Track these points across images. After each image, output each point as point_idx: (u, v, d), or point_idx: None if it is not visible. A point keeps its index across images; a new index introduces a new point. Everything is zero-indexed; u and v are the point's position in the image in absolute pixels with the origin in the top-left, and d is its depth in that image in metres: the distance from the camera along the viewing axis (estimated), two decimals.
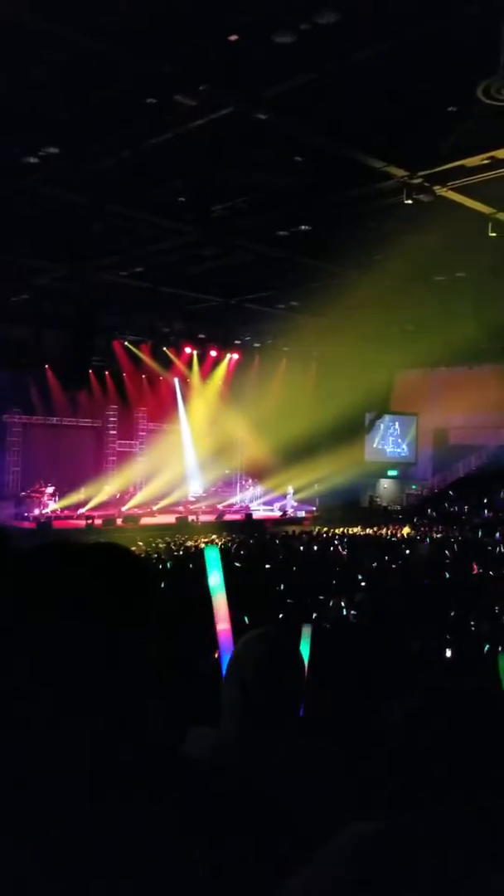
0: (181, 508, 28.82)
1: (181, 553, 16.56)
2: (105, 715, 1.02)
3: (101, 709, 1.03)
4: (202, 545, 18.86)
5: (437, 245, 14.69)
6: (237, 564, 14.05)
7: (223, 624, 2.95)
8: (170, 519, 26.98)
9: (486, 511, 28.49)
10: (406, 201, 11.63)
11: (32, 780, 0.98)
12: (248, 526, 26.57)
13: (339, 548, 18.05)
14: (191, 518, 27.21)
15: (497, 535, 21.91)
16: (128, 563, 1.17)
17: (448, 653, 6.54)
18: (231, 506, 31.60)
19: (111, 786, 1.01)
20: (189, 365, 28.10)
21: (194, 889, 1.03)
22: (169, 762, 1.09)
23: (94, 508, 26.67)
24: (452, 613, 8.90)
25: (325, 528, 25.16)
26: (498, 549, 18.61)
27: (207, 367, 28.54)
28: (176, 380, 29.31)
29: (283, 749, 1.78)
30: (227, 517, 29.00)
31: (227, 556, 15.87)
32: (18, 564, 1.12)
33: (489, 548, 18.89)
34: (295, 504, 31.22)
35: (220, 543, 19.74)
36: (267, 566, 13.94)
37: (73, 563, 1.12)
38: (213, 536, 22.07)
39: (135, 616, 1.10)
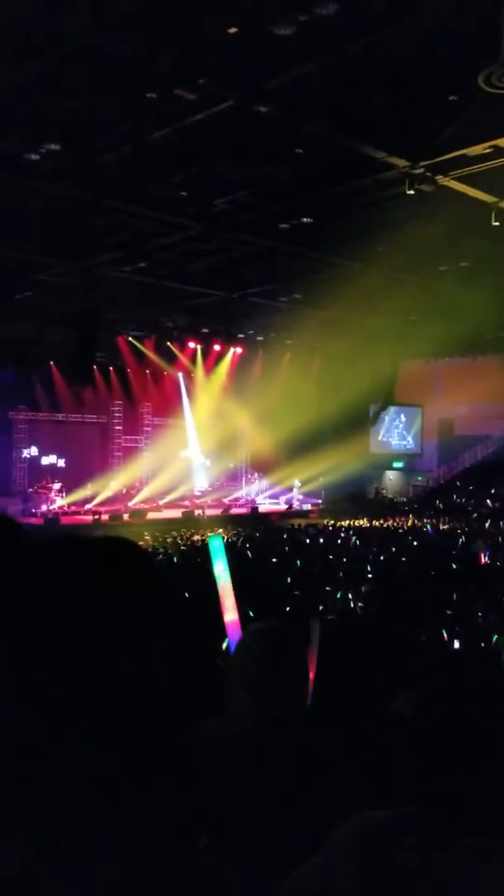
0: (187, 503, 28.86)
1: (188, 547, 16.59)
2: (112, 707, 1.03)
3: (108, 701, 1.03)
4: (208, 539, 18.87)
5: (440, 235, 14.65)
6: (249, 555, 14.08)
7: (231, 614, 2.95)
8: (176, 513, 27.02)
9: (491, 501, 28.44)
10: (408, 192, 11.59)
11: (34, 772, 0.98)
12: (253, 519, 26.59)
13: (346, 540, 18.04)
14: (197, 512, 27.24)
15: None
16: (134, 556, 1.17)
17: (456, 644, 6.54)
18: (237, 500, 31.63)
19: (117, 778, 1.01)
20: (193, 359, 28.10)
21: (198, 879, 1.03)
22: (176, 753, 1.10)
23: (101, 504, 26.76)
24: (460, 604, 8.90)
25: (332, 521, 25.16)
26: None
27: (211, 362, 28.53)
28: (180, 374, 29.33)
29: (290, 739, 1.78)
30: (233, 511, 29.03)
31: (233, 550, 15.90)
32: (27, 558, 1.13)
33: (498, 538, 18.85)
34: (300, 497, 31.22)
35: (226, 537, 19.77)
36: (273, 559, 13.95)
37: (80, 556, 1.12)
38: (220, 530, 22.10)
39: (142, 609, 1.11)
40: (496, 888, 1.14)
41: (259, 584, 9.52)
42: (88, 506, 26.49)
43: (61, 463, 27.59)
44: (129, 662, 1.06)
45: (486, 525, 23.01)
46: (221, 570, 3.15)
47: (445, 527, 23.40)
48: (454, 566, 12.73)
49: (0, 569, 1.13)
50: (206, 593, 3.34)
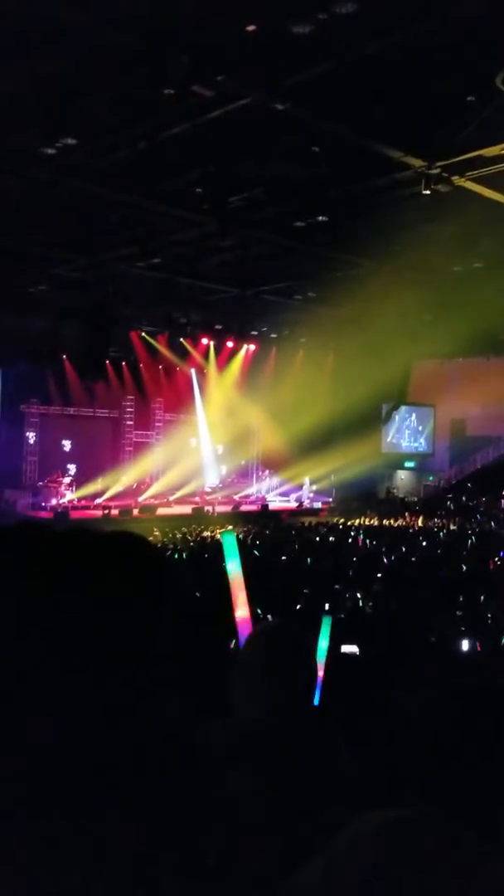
0: (197, 499, 28.89)
1: (197, 543, 16.61)
2: (119, 704, 1.03)
3: (115, 698, 1.03)
4: (218, 536, 18.89)
5: (455, 235, 14.60)
6: (256, 553, 14.08)
7: (242, 610, 2.95)
8: (186, 510, 27.06)
9: (503, 502, 28.35)
10: (424, 192, 11.54)
11: (42, 764, 0.99)
12: (264, 517, 26.58)
13: (356, 539, 18.03)
14: (207, 509, 27.28)
15: None
16: (144, 551, 1.17)
17: (465, 645, 6.53)
18: (247, 496, 31.64)
19: (123, 773, 1.02)
20: (206, 356, 28.10)
21: (204, 876, 1.04)
22: (184, 749, 1.10)
23: (111, 498, 26.82)
24: (470, 605, 8.89)
25: (342, 520, 25.13)
26: None
27: (224, 358, 28.52)
28: (192, 370, 29.34)
29: (297, 738, 1.79)
30: (243, 508, 29.05)
31: (243, 547, 15.89)
32: (37, 553, 1.13)
33: None
34: (311, 495, 31.18)
35: (236, 534, 19.74)
36: (283, 557, 13.95)
37: (90, 551, 1.13)
38: (230, 527, 22.11)
39: (151, 605, 1.11)
40: (501, 891, 1.14)
41: (269, 582, 9.53)
42: (98, 500, 26.55)
43: (72, 457, 27.67)
44: (139, 659, 1.07)
45: (494, 525, 22.96)
46: (234, 567, 3.15)
47: (455, 527, 23.35)
48: (464, 567, 12.71)
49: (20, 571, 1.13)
50: (216, 589, 3.34)
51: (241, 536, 18.76)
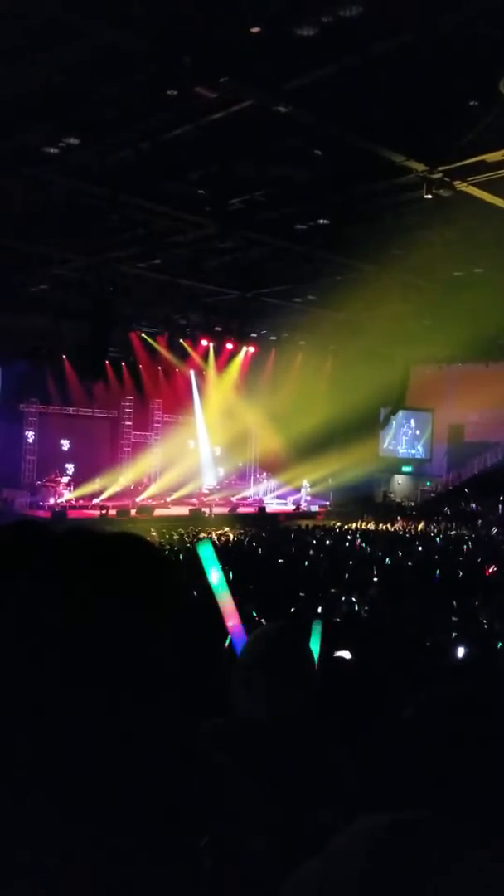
0: (195, 500, 28.89)
1: (194, 545, 16.59)
2: (121, 702, 1.03)
3: (117, 696, 1.03)
4: (214, 538, 18.90)
5: (456, 240, 14.62)
6: (252, 557, 14.07)
7: (232, 620, 2.93)
8: (183, 511, 27.06)
9: (501, 508, 28.35)
10: (426, 196, 11.55)
11: (41, 764, 0.98)
12: (261, 519, 26.61)
13: (353, 543, 18.03)
14: (204, 510, 27.29)
15: None
16: (147, 552, 1.17)
17: (460, 651, 6.53)
18: (244, 499, 31.64)
19: (118, 776, 1.02)
20: (205, 357, 28.10)
21: (197, 881, 1.03)
22: (180, 753, 1.10)
23: (109, 499, 26.81)
24: (465, 610, 8.88)
25: (339, 523, 25.14)
26: None
27: (223, 360, 28.52)
28: (192, 372, 29.34)
29: (294, 741, 1.79)
30: (241, 510, 29.05)
31: (240, 549, 15.91)
32: (37, 551, 1.13)
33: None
34: (308, 498, 31.19)
35: (232, 536, 19.79)
36: (279, 560, 13.95)
37: (92, 550, 1.12)
38: (227, 529, 22.11)
39: (153, 605, 1.11)
40: (500, 894, 1.14)
41: (265, 585, 9.52)
42: (96, 500, 26.55)
43: (70, 457, 27.67)
44: (140, 659, 1.06)
45: (493, 532, 22.97)
46: (216, 578, 3.08)
47: (452, 533, 23.37)
48: (460, 572, 12.71)
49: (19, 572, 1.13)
50: (212, 591, 3.33)
51: (236, 538, 18.78)
